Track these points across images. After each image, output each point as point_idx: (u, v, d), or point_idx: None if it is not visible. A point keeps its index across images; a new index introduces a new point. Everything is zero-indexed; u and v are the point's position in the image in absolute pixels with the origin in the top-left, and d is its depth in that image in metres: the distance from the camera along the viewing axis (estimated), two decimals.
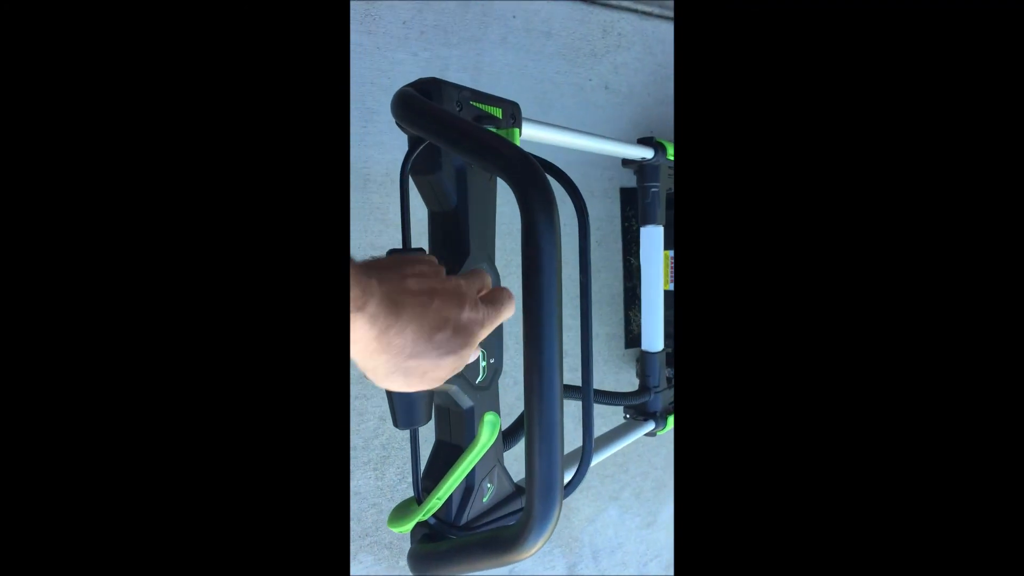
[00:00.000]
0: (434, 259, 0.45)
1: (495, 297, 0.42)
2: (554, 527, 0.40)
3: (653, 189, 0.82)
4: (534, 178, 0.38)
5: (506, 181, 0.39)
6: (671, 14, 1.42)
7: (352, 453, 1.09)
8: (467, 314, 0.39)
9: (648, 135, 0.83)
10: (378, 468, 1.11)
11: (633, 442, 1.43)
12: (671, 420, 0.83)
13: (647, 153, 0.81)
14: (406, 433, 0.51)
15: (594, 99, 1.31)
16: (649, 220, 0.83)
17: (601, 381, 1.34)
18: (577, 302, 1.32)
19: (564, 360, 1.28)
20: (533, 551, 0.40)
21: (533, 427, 0.38)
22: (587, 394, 0.47)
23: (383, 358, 0.36)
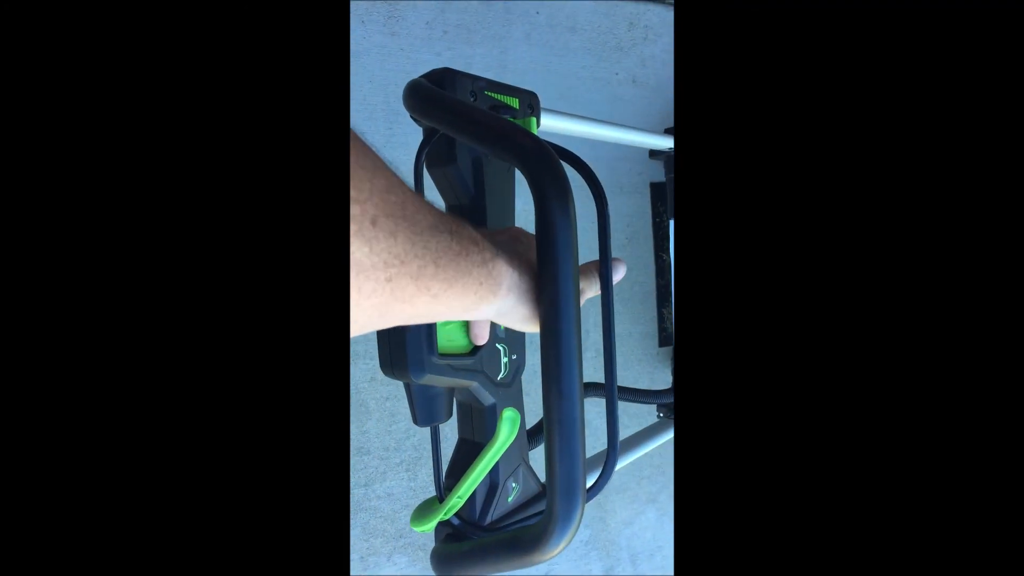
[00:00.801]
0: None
1: None
2: (577, 527, 0.38)
3: None
4: (547, 165, 0.37)
5: (519, 168, 0.38)
6: None
7: (384, 454, 1.09)
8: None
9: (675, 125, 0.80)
10: (411, 469, 1.11)
11: (669, 443, 1.40)
12: None
13: (674, 143, 0.79)
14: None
15: (622, 93, 1.29)
16: None
17: (636, 381, 1.32)
18: (616, 300, 1.30)
19: (597, 357, 1.27)
20: (555, 552, 0.38)
21: (552, 424, 0.37)
22: (611, 391, 0.45)
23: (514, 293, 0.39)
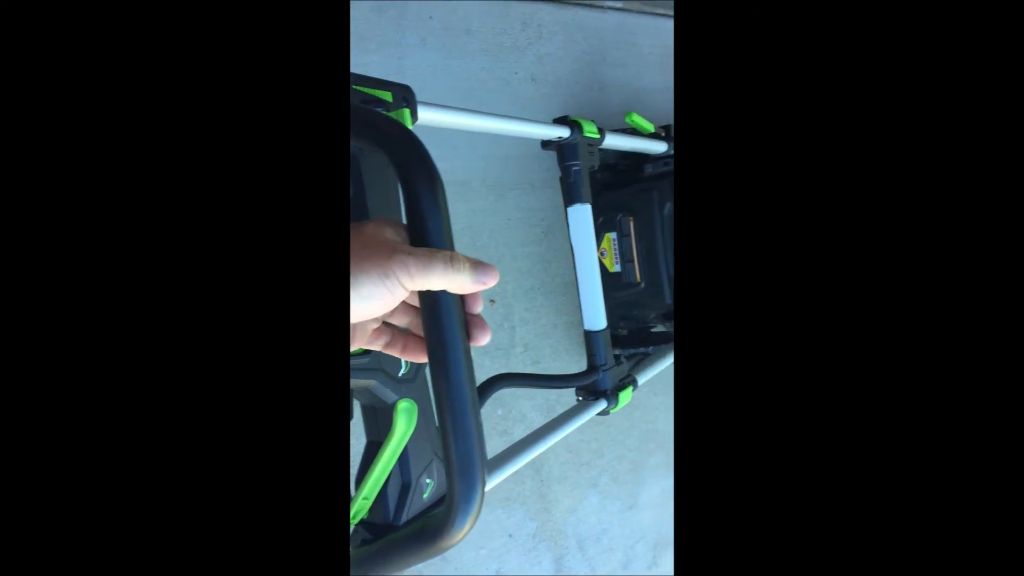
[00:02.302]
0: None
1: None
2: (479, 507, 0.38)
3: (575, 168, 0.81)
4: (412, 151, 0.37)
5: (385, 155, 0.38)
6: (587, 1, 1.43)
7: None
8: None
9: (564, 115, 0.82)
10: None
11: (605, 427, 1.43)
12: (624, 396, 0.82)
13: (563, 132, 0.80)
14: None
15: (522, 92, 1.31)
16: (575, 199, 0.82)
17: (565, 370, 1.34)
18: (538, 293, 1.32)
19: (525, 352, 1.28)
20: (460, 536, 0.38)
21: (443, 406, 0.37)
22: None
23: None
